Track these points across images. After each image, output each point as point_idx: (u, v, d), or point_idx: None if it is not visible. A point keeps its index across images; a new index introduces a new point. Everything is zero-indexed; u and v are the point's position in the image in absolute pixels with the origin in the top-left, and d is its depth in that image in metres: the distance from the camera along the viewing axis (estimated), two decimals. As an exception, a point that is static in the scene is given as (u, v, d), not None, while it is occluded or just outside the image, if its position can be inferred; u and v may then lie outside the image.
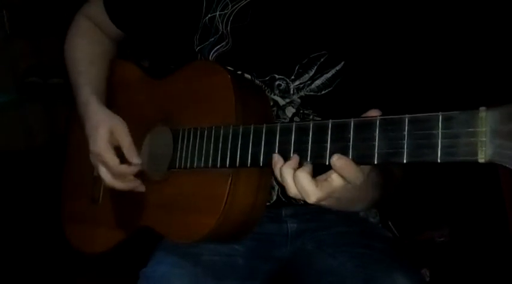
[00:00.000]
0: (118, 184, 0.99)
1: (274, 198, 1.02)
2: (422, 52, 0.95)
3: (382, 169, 0.81)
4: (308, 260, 1.01)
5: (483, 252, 1.45)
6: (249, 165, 0.80)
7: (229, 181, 0.85)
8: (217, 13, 0.99)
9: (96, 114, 1.02)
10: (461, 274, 1.42)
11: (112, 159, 0.97)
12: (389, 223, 1.09)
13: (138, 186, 0.99)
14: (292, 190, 0.73)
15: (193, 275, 0.92)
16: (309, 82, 0.96)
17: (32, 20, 2.59)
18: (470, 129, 0.59)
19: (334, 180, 0.70)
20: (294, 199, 1.02)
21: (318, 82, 0.96)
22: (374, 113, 0.69)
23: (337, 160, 0.68)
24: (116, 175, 0.99)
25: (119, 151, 0.99)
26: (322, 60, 0.95)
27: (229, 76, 0.88)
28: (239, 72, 0.97)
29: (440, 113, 0.61)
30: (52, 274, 1.87)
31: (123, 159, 0.98)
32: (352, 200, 0.78)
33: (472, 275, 1.42)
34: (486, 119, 0.58)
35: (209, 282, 0.91)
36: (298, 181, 0.71)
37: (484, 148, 0.58)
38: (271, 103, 0.97)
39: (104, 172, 0.99)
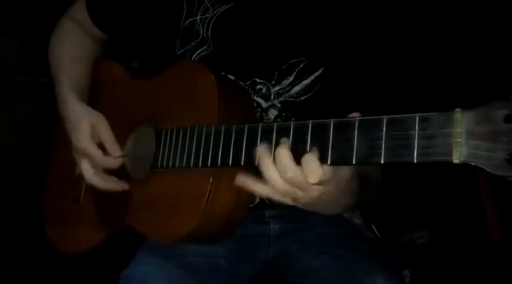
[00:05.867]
0: (98, 182, 0.97)
1: (258, 199, 1.02)
2: (400, 57, 0.96)
3: (361, 178, 0.81)
4: (291, 261, 1.01)
5: (463, 253, 1.47)
6: (230, 165, 0.80)
7: (211, 181, 0.84)
8: (198, 17, 0.99)
9: (75, 111, 1.02)
10: (442, 275, 1.44)
11: (95, 152, 0.97)
12: (372, 225, 1.10)
13: (117, 186, 0.97)
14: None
15: (176, 276, 0.91)
16: (288, 88, 0.97)
17: (19, 19, 2.57)
18: (445, 130, 0.60)
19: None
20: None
21: (296, 88, 0.97)
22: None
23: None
24: (99, 168, 0.98)
25: (100, 147, 0.98)
26: (301, 66, 0.95)
27: (213, 76, 0.88)
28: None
29: (417, 114, 0.62)
30: (33, 274, 1.85)
31: (105, 154, 0.98)
32: (329, 202, 0.77)
33: (452, 275, 1.44)
34: (461, 120, 0.59)
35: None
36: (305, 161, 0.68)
37: (459, 149, 0.59)
38: (255, 105, 0.98)
39: (85, 168, 0.98)
